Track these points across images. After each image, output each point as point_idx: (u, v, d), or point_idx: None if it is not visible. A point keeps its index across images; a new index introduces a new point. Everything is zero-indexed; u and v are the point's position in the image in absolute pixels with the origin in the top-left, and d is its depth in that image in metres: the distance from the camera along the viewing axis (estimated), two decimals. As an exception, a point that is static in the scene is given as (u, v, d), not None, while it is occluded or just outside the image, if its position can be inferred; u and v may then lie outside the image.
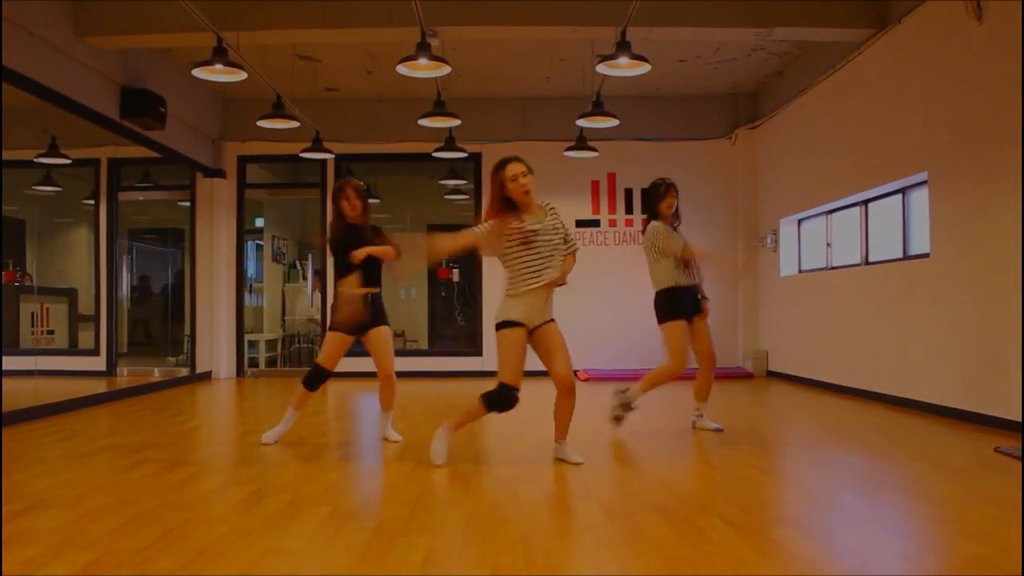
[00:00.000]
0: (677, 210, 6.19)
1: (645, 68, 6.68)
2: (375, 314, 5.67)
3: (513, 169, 4.81)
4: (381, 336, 5.72)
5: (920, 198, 7.49)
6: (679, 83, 10.86)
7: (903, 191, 7.83)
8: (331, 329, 5.66)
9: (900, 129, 7.54)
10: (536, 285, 4.72)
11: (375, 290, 5.65)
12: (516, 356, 4.75)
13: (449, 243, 4.88)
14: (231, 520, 3.62)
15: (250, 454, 5.40)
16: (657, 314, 6.08)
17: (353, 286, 5.46)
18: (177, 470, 4.74)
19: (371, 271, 5.64)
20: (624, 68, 6.73)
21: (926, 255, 7.15)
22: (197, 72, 6.75)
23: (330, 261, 11.59)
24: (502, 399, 4.77)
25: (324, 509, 3.76)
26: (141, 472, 4.68)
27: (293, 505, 3.83)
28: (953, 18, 6.58)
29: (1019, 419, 5.82)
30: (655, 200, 6.11)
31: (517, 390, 4.76)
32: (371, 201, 14.63)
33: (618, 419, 6.06)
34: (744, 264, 11.38)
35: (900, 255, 7.84)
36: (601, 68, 6.77)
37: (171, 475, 4.59)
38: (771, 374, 10.91)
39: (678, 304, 5.99)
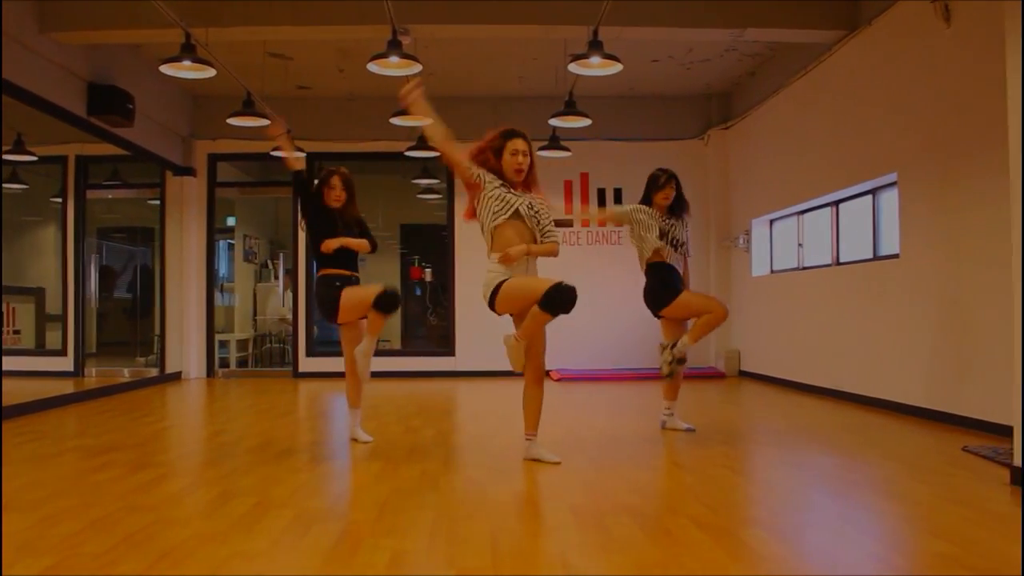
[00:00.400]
0: (678, 205, 6.17)
1: (617, 68, 6.67)
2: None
3: (515, 144, 4.80)
4: (360, 326, 5.73)
5: (890, 199, 7.54)
6: (652, 83, 10.88)
7: (873, 192, 7.88)
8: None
9: (870, 130, 7.59)
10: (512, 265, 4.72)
11: (350, 273, 5.68)
12: (530, 280, 4.70)
13: (445, 144, 4.90)
14: (196, 523, 3.57)
15: (218, 456, 5.34)
16: (653, 302, 6.11)
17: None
18: (143, 472, 4.67)
19: (346, 261, 5.64)
20: (596, 68, 6.72)
21: (896, 255, 7.20)
22: (165, 69, 6.67)
23: (301, 254, 11.52)
24: (561, 292, 4.53)
25: (291, 511, 3.71)
26: (106, 474, 4.61)
27: (260, 507, 3.78)
28: (922, 20, 6.63)
29: (987, 418, 5.87)
30: (652, 189, 6.11)
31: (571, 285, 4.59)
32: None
33: (671, 371, 6.10)
34: (717, 265, 11.43)
35: (870, 255, 7.89)
36: (573, 67, 6.76)
37: (136, 477, 4.52)
38: (743, 374, 10.96)
39: (672, 282, 6.03)
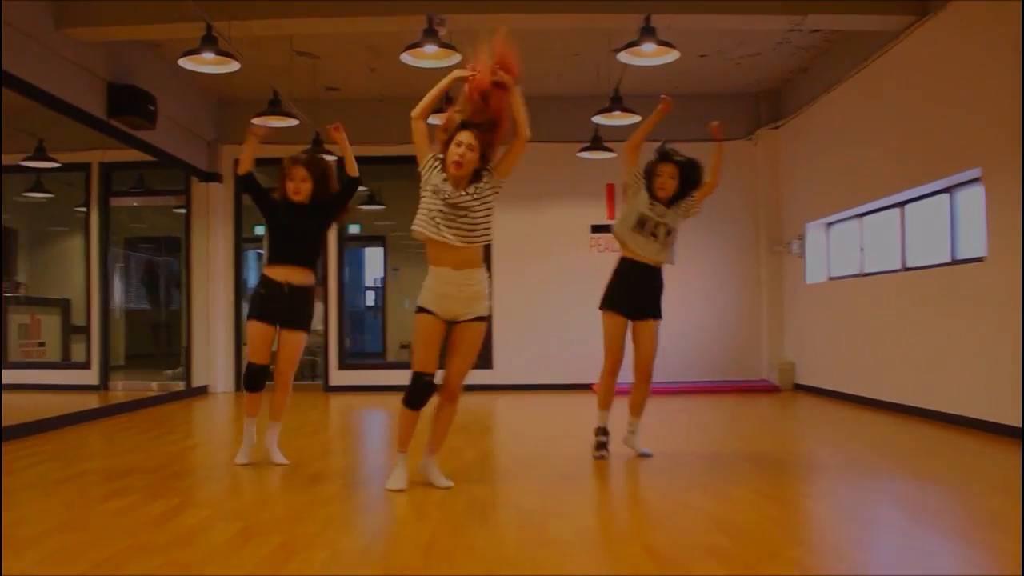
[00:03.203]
0: (682, 197, 5.38)
1: (672, 55, 6.15)
2: (301, 311, 5.15)
3: (460, 136, 4.28)
4: (296, 341, 5.20)
5: (969, 197, 6.93)
6: (698, 81, 10.31)
7: (949, 190, 7.26)
8: (249, 318, 5.15)
9: (945, 123, 6.98)
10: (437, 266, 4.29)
11: (309, 283, 5.15)
12: (423, 343, 4.31)
13: (418, 120, 4.51)
14: (211, 568, 3.06)
15: (241, 481, 4.84)
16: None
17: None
18: (158, 501, 4.17)
19: (305, 256, 5.10)
20: (649, 56, 6.20)
21: (980, 259, 6.58)
22: (184, 63, 6.22)
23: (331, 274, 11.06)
24: (411, 390, 4.33)
25: (321, 553, 3.20)
26: (118, 503, 4.12)
27: (285, 550, 3.26)
28: (1005, 2, 6.03)
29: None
30: (648, 178, 5.39)
31: (429, 376, 4.30)
32: (375, 208, 14.05)
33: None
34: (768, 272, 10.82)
35: (947, 259, 7.27)
36: (623, 56, 6.24)
37: (151, 507, 4.02)
38: (798, 387, 10.33)
39: (623, 294, 5.38)
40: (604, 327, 5.43)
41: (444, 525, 3.67)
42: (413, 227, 4.30)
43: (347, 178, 5.20)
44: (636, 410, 5.52)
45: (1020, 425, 5.94)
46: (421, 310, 4.32)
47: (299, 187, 5.05)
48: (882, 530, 3.74)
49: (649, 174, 5.38)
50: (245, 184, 5.20)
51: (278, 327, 5.14)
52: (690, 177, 5.37)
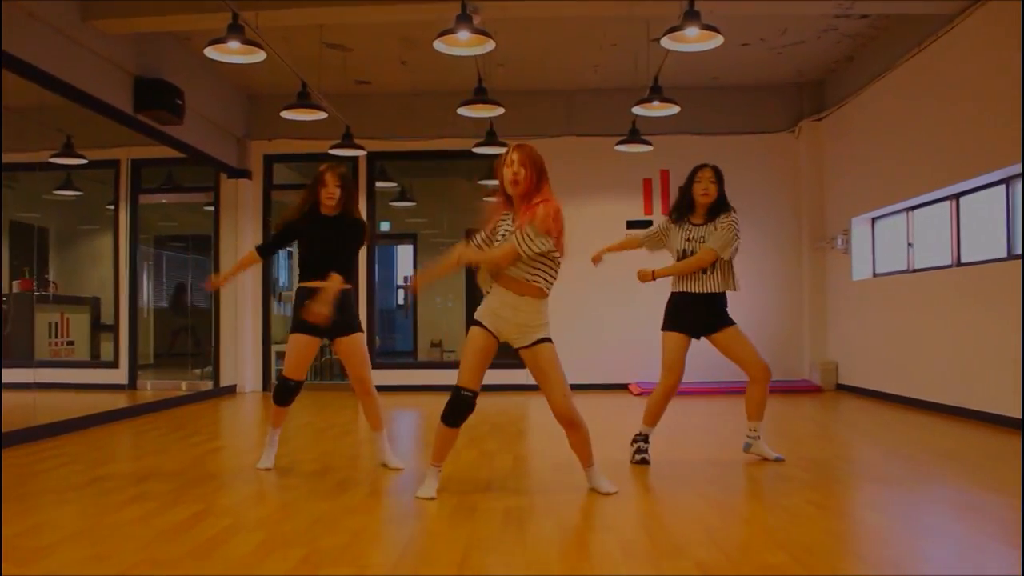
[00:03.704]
0: (717, 205, 5.11)
1: (716, 40, 5.83)
2: (347, 317, 4.97)
3: (499, 160, 4.15)
4: (355, 344, 5.03)
5: (1030, 188, 6.58)
6: (739, 71, 9.99)
7: (1006, 181, 6.90)
8: (292, 331, 4.98)
9: (1004, 111, 6.61)
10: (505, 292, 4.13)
11: (347, 286, 4.97)
12: (470, 354, 4.11)
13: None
14: (228, 586, 2.83)
15: (265, 487, 4.63)
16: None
17: (335, 284, 4.82)
18: (177, 508, 3.97)
19: (341, 266, 4.92)
20: (693, 42, 5.89)
21: (1044, 253, 6.23)
22: (210, 52, 6.01)
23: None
24: (452, 405, 4.11)
25: (346, 570, 2.96)
26: (134, 512, 3.92)
27: (308, 564, 3.03)
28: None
29: None
30: (687, 190, 5.17)
31: (469, 392, 4.08)
32: (406, 204, 13.89)
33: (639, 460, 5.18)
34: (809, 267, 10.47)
35: (1004, 254, 6.91)
36: (666, 42, 5.93)
37: (168, 516, 3.82)
38: (840, 387, 9.97)
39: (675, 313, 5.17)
40: (664, 346, 5.19)
41: (478, 539, 3.42)
42: None
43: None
44: (753, 415, 5.24)
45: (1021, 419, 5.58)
46: (475, 323, 4.16)
47: (333, 192, 4.93)
48: (945, 543, 3.44)
49: (688, 186, 5.15)
50: (270, 252, 5.03)
51: (327, 340, 4.99)
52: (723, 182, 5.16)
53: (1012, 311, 6.55)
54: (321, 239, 4.96)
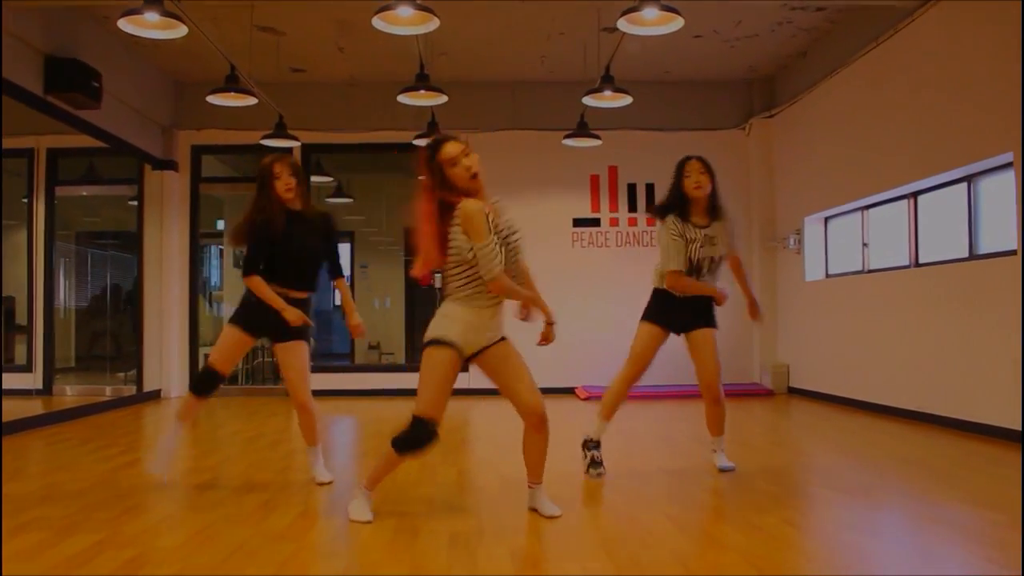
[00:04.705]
0: (714, 199, 4.86)
1: (678, 23, 5.48)
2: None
3: (449, 150, 3.65)
4: (297, 352, 4.56)
5: (993, 185, 6.35)
6: (690, 66, 9.69)
7: (968, 179, 6.68)
8: (233, 323, 4.53)
9: (968, 108, 6.39)
10: (493, 303, 3.68)
11: (304, 295, 4.54)
12: (438, 382, 3.61)
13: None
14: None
15: (182, 509, 4.13)
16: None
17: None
18: (73, 539, 3.45)
19: (302, 274, 4.51)
20: (651, 24, 5.53)
21: (1010, 252, 5.98)
22: (124, 24, 5.44)
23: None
24: (413, 437, 3.63)
25: (266, 618, 2.50)
26: (18, 544, 3.39)
27: (220, 611, 2.57)
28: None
29: None
30: (680, 177, 4.82)
31: (434, 424, 3.61)
32: (343, 201, 13.33)
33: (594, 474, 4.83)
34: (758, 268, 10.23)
35: (965, 254, 6.69)
36: (622, 24, 5.55)
37: (61, 548, 3.30)
38: (792, 391, 9.74)
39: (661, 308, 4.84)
40: (638, 334, 4.86)
41: (423, 568, 2.98)
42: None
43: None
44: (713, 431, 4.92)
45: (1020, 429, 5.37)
46: (439, 343, 3.63)
47: (289, 182, 4.44)
48: (941, 564, 3.11)
49: (678, 181, 4.81)
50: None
51: (265, 343, 4.53)
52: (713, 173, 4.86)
53: (971, 312, 6.33)
54: (298, 235, 4.48)
